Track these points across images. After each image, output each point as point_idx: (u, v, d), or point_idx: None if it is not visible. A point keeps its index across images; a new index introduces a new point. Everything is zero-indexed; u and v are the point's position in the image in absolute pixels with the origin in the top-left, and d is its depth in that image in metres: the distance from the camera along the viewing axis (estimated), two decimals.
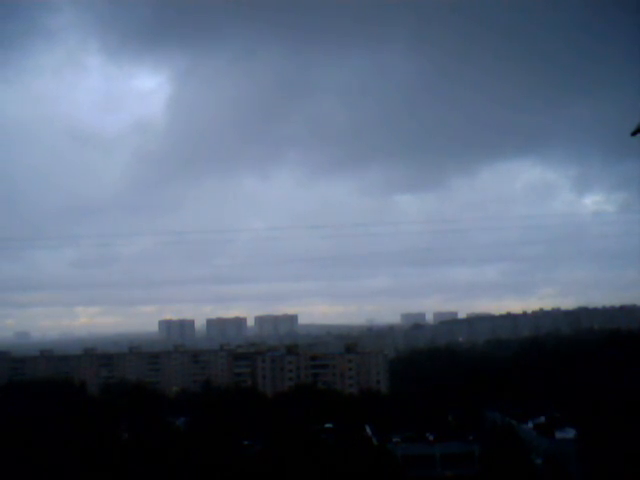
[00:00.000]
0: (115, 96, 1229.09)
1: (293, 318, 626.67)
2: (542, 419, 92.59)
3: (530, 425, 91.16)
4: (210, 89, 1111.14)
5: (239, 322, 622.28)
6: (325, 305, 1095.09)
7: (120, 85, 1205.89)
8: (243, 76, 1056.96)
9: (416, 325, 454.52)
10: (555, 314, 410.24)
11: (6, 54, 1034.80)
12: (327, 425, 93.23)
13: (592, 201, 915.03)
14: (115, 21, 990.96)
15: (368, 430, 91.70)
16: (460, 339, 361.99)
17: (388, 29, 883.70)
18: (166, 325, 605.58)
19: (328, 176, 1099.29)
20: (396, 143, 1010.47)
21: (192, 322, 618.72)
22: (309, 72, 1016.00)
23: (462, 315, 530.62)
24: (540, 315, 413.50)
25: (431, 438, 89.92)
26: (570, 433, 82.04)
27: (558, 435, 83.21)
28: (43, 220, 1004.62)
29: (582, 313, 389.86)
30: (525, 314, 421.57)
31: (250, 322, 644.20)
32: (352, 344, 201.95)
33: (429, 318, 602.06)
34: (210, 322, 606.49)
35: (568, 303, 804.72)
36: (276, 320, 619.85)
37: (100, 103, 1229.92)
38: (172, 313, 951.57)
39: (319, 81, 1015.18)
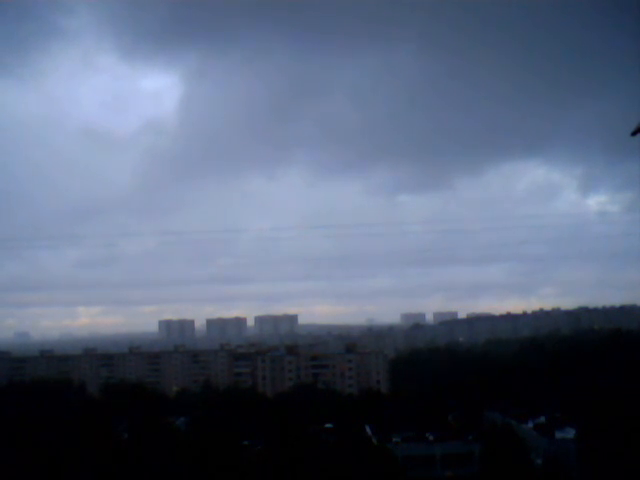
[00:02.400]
0: (127, 96, 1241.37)
1: (293, 318, 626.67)
2: (542, 419, 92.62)
3: (530, 425, 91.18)
4: (221, 89, 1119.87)
5: (239, 322, 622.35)
6: (325, 305, 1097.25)
7: (132, 85, 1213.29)
8: (254, 76, 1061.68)
9: (416, 325, 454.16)
10: (555, 314, 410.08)
11: (22, 54, 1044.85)
12: (327, 425, 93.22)
13: (595, 201, 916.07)
14: (128, 22, 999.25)
15: (368, 430, 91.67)
16: (460, 339, 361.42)
17: (399, 30, 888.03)
18: (166, 325, 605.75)
19: (335, 176, 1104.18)
20: (403, 144, 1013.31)
21: (192, 322, 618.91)
22: (319, 72, 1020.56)
23: (462, 315, 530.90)
24: (540, 315, 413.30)
25: (431, 438, 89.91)
26: (570, 433, 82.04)
27: (558, 435, 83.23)
28: (47, 220, 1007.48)
29: (582, 313, 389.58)
30: (525, 314, 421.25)
31: (250, 322, 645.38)
32: (352, 344, 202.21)
33: (429, 318, 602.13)
34: (210, 322, 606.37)
35: (568, 303, 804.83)
36: (276, 320, 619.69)
37: (112, 103, 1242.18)
38: (172, 313, 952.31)
39: (328, 81, 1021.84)
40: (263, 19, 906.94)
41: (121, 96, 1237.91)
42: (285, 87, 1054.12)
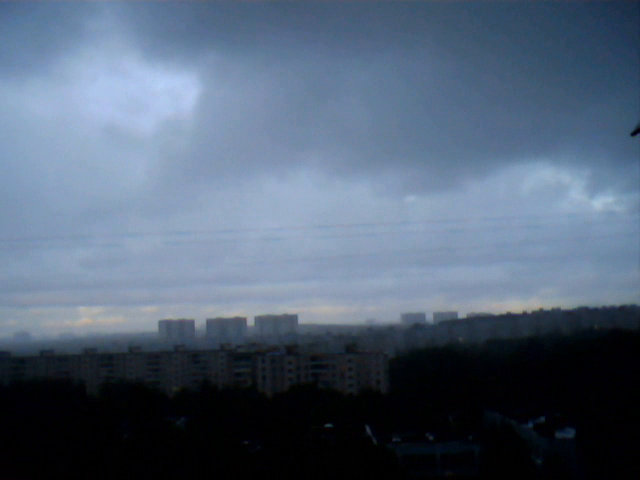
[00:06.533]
0: (147, 96, 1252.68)
1: (293, 318, 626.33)
2: (542, 419, 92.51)
3: (530, 425, 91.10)
4: (237, 91, 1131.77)
5: (239, 322, 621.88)
6: (326, 305, 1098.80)
7: (152, 85, 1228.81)
8: (270, 79, 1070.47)
9: (416, 325, 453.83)
10: (555, 314, 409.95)
11: (46, 54, 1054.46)
12: (327, 425, 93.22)
13: (602, 202, 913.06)
14: (149, 23, 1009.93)
15: (368, 430, 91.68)
16: (460, 339, 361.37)
17: (414, 36, 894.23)
18: (166, 325, 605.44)
19: (344, 177, 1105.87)
20: (413, 146, 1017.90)
21: (192, 322, 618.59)
22: (333, 76, 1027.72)
23: (462, 315, 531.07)
24: (540, 315, 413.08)
25: (431, 438, 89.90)
26: (570, 433, 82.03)
27: (558, 435, 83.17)
28: (59, 219, 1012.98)
29: (582, 313, 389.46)
30: (525, 314, 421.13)
31: (250, 322, 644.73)
32: (352, 344, 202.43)
33: (429, 318, 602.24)
34: (210, 322, 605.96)
35: (569, 303, 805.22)
36: (276, 320, 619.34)
37: (132, 103, 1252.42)
38: (173, 313, 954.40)
39: (342, 85, 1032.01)
40: (280, 23, 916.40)
41: (141, 96, 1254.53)
42: (299, 89, 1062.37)
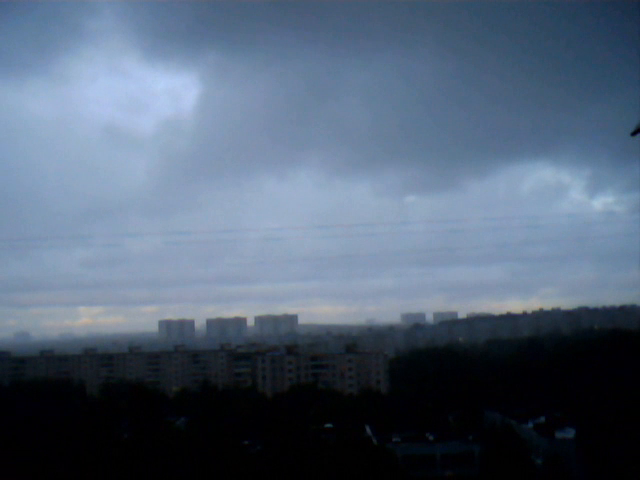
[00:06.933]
0: (147, 96, 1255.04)
1: (293, 318, 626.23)
2: (542, 419, 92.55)
3: (530, 425, 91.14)
4: (237, 91, 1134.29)
5: (239, 322, 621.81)
6: (326, 305, 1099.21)
7: (152, 85, 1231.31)
8: (270, 79, 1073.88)
9: (416, 325, 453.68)
10: (555, 314, 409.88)
11: (46, 54, 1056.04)
12: (327, 425, 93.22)
13: (602, 202, 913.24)
14: (150, 23, 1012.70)
15: (368, 430, 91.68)
16: (460, 339, 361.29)
17: (414, 36, 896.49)
18: (166, 325, 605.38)
19: (344, 177, 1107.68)
20: (413, 146, 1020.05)
21: (192, 322, 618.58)
22: (333, 76, 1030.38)
23: (462, 315, 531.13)
24: (540, 315, 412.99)
25: (431, 438, 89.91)
26: (570, 433, 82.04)
27: (558, 435, 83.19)
28: (60, 219, 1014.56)
29: (582, 313, 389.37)
30: (525, 314, 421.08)
31: (250, 322, 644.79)
32: (352, 344, 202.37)
33: (429, 318, 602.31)
34: (210, 322, 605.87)
35: (569, 303, 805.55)
36: (276, 320, 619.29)
37: (132, 103, 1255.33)
38: (173, 313, 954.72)
39: (342, 85, 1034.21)
40: (280, 23, 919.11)
41: (141, 96, 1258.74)
42: (299, 89, 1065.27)
